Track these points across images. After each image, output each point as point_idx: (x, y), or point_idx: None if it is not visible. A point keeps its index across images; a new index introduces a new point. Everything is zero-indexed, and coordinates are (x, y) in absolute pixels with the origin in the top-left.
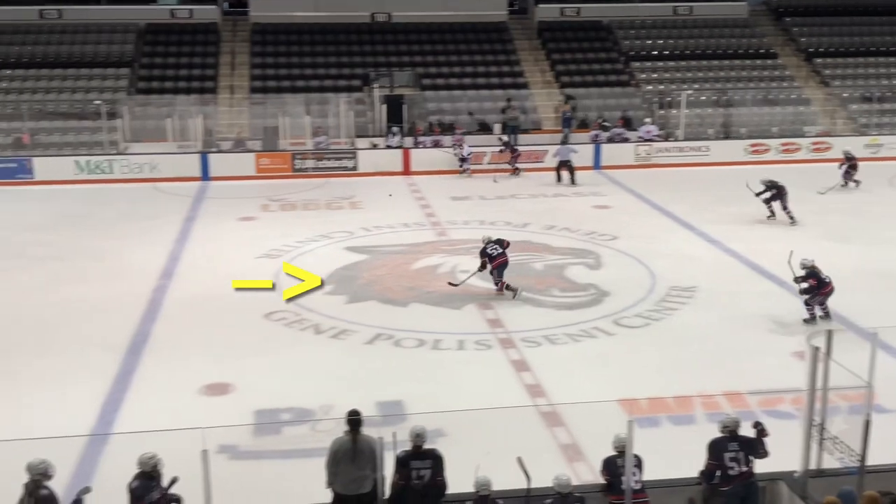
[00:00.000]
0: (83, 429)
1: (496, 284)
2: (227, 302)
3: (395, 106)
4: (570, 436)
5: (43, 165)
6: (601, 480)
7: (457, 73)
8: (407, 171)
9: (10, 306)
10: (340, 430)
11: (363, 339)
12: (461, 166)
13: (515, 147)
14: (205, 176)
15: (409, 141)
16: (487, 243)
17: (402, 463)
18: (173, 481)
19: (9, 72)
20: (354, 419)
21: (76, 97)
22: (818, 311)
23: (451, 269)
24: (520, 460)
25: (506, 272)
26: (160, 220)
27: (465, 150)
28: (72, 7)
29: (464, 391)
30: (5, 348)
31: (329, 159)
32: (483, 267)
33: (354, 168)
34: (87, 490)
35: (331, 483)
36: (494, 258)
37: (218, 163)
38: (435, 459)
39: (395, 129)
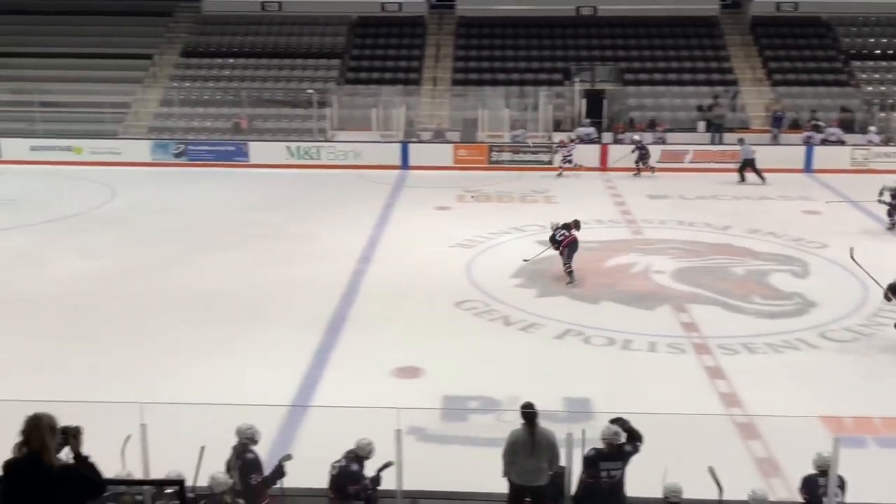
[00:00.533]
0: (285, 398)
1: (564, 266)
2: (421, 288)
3: (595, 101)
4: (766, 450)
5: (258, 149)
6: (798, 499)
7: (661, 68)
8: (604, 167)
9: (227, 280)
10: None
11: (552, 334)
12: (562, 164)
13: (644, 146)
14: (404, 165)
15: (607, 136)
16: (556, 230)
17: (591, 462)
18: (386, 465)
19: (231, 60)
20: (531, 412)
21: (290, 86)
22: None
23: (644, 269)
24: (711, 470)
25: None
26: (362, 205)
27: (568, 152)
28: (291, 0)
29: (653, 394)
30: (225, 319)
31: (525, 153)
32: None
33: (550, 162)
34: (288, 457)
35: (507, 473)
36: (561, 242)
37: (417, 152)
38: (625, 460)
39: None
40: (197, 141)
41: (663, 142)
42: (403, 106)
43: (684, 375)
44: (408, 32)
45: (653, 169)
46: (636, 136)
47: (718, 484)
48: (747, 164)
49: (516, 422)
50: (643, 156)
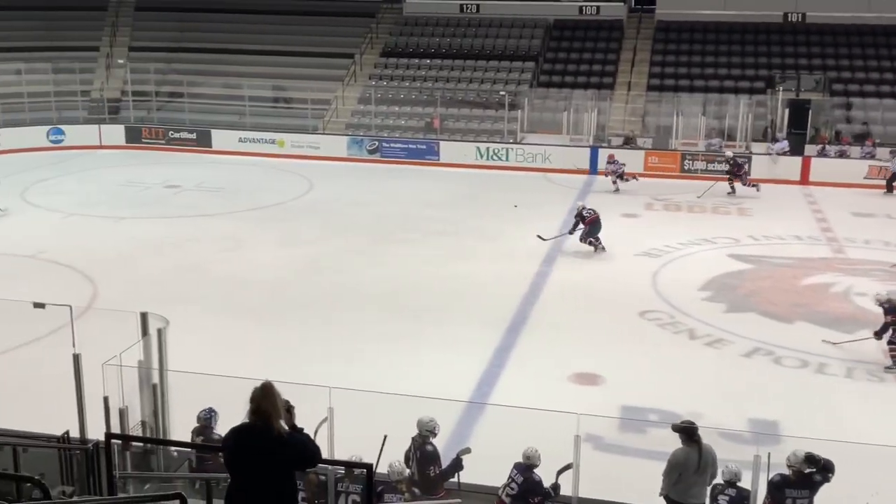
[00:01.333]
0: (464, 394)
1: (582, 240)
2: (604, 295)
3: (798, 111)
4: None
5: (448, 149)
6: None
7: (873, 79)
8: (805, 180)
9: (412, 274)
10: (709, 440)
11: (740, 351)
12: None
13: (740, 162)
14: (593, 169)
15: (811, 149)
16: (583, 208)
17: (776, 488)
18: (566, 468)
19: (428, 61)
20: (693, 428)
21: (483, 87)
22: None
23: (845, 290)
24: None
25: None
26: (547, 208)
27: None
28: (489, 2)
29: (848, 422)
30: (409, 311)
31: (720, 162)
32: (573, 230)
33: (747, 174)
34: (467, 451)
35: (666, 492)
36: (587, 218)
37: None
38: (812, 489)
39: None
40: (390, 139)
41: (872, 157)
42: (595, 110)
43: (885, 405)
44: (604, 36)
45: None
46: (728, 153)
47: None
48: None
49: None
50: (739, 171)
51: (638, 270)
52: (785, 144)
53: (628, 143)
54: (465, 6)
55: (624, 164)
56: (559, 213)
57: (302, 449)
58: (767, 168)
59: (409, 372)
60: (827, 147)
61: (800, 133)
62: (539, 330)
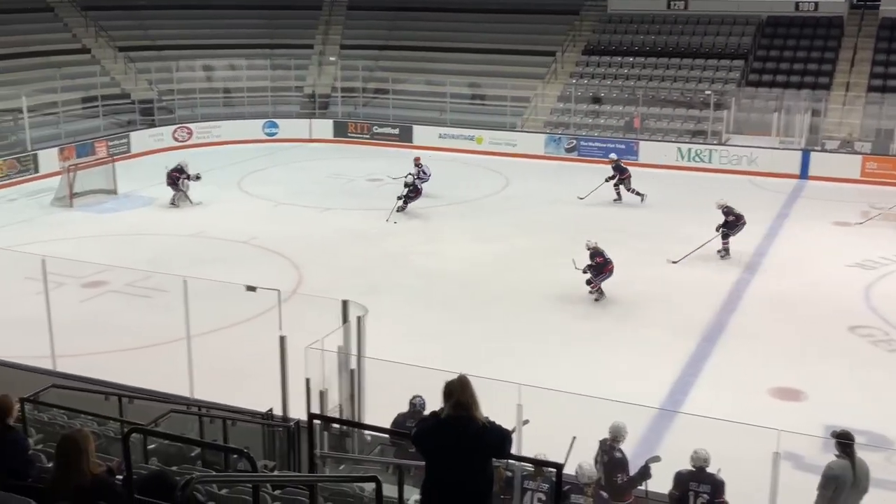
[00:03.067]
0: (656, 400)
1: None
2: (810, 306)
3: None
4: None
5: (648, 149)
6: None
7: None
8: None
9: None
10: None
11: None
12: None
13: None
14: (803, 174)
15: None
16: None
17: None
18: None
19: (631, 59)
20: (849, 441)
21: (688, 86)
22: None
23: None
24: None
25: None
26: (752, 214)
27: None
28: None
29: None
30: (601, 312)
31: None
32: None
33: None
34: (657, 459)
35: None
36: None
37: (820, 162)
38: None
39: None
40: (589, 137)
41: None
42: (808, 112)
43: None
44: (822, 34)
45: None
46: None
47: None
48: None
49: None
50: None
51: (849, 282)
52: None
53: (845, 146)
54: (672, 3)
55: (628, 174)
56: (764, 219)
57: (500, 435)
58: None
59: (598, 374)
60: None
61: None
62: (737, 340)
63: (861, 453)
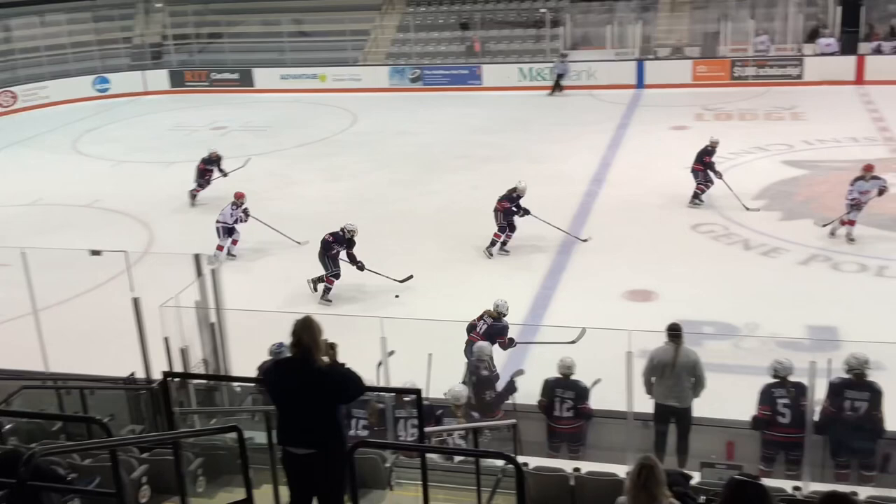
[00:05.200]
0: (518, 317)
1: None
2: (655, 210)
3: (851, 7)
4: None
5: (491, 72)
6: None
7: None
8: (860, 80)
9: (461, 201)
10: (767, 350)
11: (796, 259)
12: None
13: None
14: (640, 83)
15: (865, 47)
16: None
17: (836, 391)
18: (595, 382)
19: None
20: (677, 333)
21: (524, 6)
22: None
23: None
24: None
25: None
26: (594, 126)
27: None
28: None
29: None
30: (459, 239)
31: (771, 67)
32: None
33: (799, 76)
34: (520, 373)
35: (648, 391)
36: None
37: (653, 70)
38: (874, 393)
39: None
40: (432, 66)
41: None
42: (639, 22)
43: None
44: None
45: None
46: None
47: None
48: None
49: (757, 350)
50: None
51: (690, 183)
52: (832, 42)
53: (676, 52)
54: None
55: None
56: (607, 130)
57: (342, 380)
58: (819, 70)
59: (463, 298)
60: (882, 44)
61: (852, 31)
62: (590, 250)
63: (708, 342)
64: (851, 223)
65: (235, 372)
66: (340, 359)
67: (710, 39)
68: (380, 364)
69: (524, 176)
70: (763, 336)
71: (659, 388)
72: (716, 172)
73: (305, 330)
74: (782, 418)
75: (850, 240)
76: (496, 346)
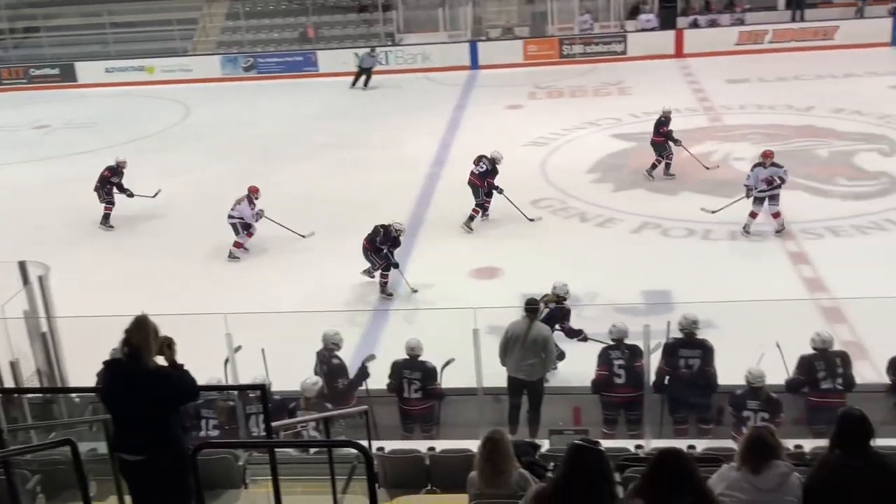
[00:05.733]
0: (367, 304)
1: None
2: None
3: None
4: (853, 333)
5: (326, 58)
6: (886, 380)
7: None
8: (679, 53)
9: (305, 191)
10: (606, 317)
11: (629, 228)
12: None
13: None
14: (474, 65)
15: (683, 21)
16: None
17: (670, 351)
18: (448, 363)
19: None
20: (532, 308)
21: None
22: None
23: (724, 156)
24: (777, 345)
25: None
26: (432, 109)
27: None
28: None
29: (735, 283)
30: (310, 228)
31: (597, 44)
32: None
33: (624, 52)
34: (372, 357)
35: (502, 363)
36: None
37: (487, 51)
38: (705, 350)
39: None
40: (266, 53)
41: (742, 23)
42: (470, 4)
43: (767, 262)
44: None
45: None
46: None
47: (784, 360)
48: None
49: (597, 318)
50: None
51: (527, 160)
52: (652, 18)
53: (506, 33)
54: None
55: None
56: (444, 112)
57: (176, 382)
58: (642, 45)
59: (312, 288)
60: (698, 17)
61: (670, 6)
62: (436, 231)
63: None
64: (754, 215)
65: (75, 382)
66: (183, 358)
67: (539, 19)
68: (227, 361)
69: (366, 161)
70: (602, 304)
71: (510, 362)
72: (675, 140)
73: (136, 330)
74: (618, 379)
75: (746, 232)
76: (558, 332)
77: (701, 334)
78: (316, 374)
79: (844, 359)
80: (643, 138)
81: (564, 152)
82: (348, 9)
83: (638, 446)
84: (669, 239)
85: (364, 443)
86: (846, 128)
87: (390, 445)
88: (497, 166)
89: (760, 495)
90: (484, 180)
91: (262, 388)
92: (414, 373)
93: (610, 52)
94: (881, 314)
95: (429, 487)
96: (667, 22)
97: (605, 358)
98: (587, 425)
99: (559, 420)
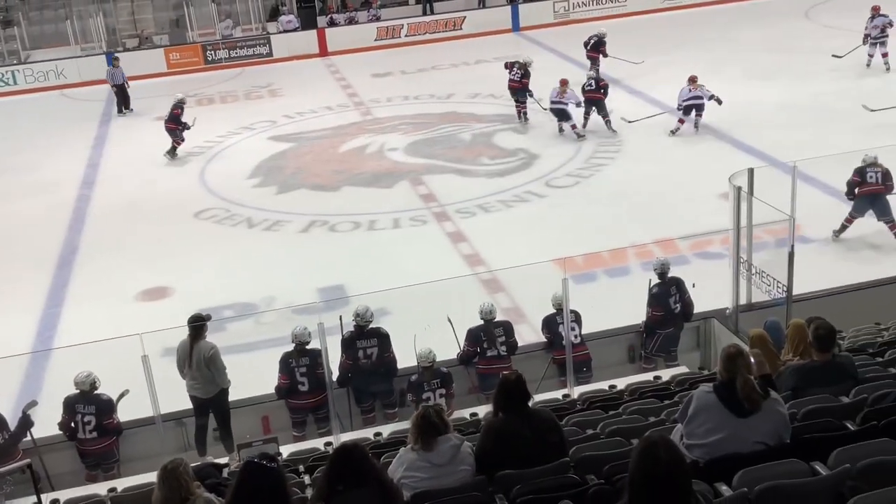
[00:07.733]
0: (24, 346)
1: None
2: (154, 205)
3: None
4: (511, 300)
5: None
6: (542, 338)
7: None
8: (324, 52)
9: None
10: (285, 321)
11: (297, 229)
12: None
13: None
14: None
15: (323, 20)
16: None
17: (348, 344)
18: (122, 395)
19: None
20: (195, 325)
21: None
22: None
23: (378, 149)
24: (449, 320)
25: None
26: (73, 127)
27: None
28: None
29: (403, 268)
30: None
31: (242, 47)
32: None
33: (270, 54)
34: (33, 404)
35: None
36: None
37: (125, 63)
38: (380, 338)
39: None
40: None
41: (378, 19)
42: (100, 14)
43: (430, 244)
44: None
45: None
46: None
47: (455, 334)
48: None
49: (276, 323)
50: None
51: (184, 171)
52: (293, 19)
53: (145, 42)
54: None
55: None
56: (89, 129)
57: None
58: (287, 46)
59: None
60: (335, 16)
61: (309, 6)
62: (94, 257)
63: (231, 325)
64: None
65: None
66: None
67: (178, 25)
68: None
69: (7, 189)
70: (280, 308)
71: (187, 381)
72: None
73: None
74: (302, 387)
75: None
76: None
77: (378, 322)
78: None
79: (506, 327)
80: (300, 138)
81: (223, 160)
82: None
83: (328, 444)
84: (337, 234)
85: (32, 499)
86: (484, 111)
87: (68, 495)
88: (529, 69)
89: (437, 470)
90: (520, 82)
91: None
92: (88, 407)
93: (256, 54)
94: (532, 279)
95: None
96: (307, 22)
97: (285, 365)
98: (277, 431)
99: (248, 432)
